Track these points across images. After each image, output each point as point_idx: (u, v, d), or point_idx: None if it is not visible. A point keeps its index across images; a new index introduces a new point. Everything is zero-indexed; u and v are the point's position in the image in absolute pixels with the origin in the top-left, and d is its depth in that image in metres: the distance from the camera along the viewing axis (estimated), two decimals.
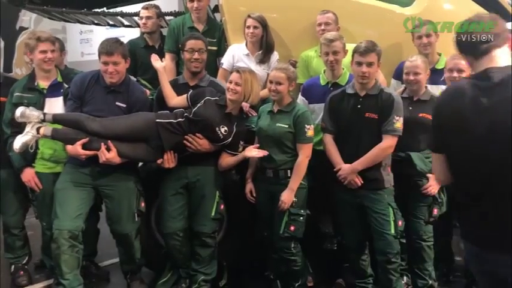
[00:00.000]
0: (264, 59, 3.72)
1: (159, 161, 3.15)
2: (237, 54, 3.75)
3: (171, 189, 3.29)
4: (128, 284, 3.58)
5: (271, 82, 3.16)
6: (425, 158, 3.22)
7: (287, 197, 3.10)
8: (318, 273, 3.66)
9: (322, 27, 3.64)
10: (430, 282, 3.30)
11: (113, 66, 3.11)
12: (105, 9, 5.48)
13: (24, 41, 3.45)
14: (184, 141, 3.12)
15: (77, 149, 3.03)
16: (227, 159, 3.25)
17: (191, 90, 3.29)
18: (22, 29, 8.97)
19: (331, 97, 3.24)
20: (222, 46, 4.00)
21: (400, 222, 3.09)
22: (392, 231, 3.05)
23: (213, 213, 3.28)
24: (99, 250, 4.00)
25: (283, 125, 3.14)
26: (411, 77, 3.24)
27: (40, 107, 3.31)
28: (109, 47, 3.09)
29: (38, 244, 3.82)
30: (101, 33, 8.36)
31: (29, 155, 3.37)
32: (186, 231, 3.35)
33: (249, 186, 3.33)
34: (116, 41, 3.20)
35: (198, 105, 3.15)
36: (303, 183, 3.16)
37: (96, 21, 5.64)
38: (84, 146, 3.03)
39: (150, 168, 3.49)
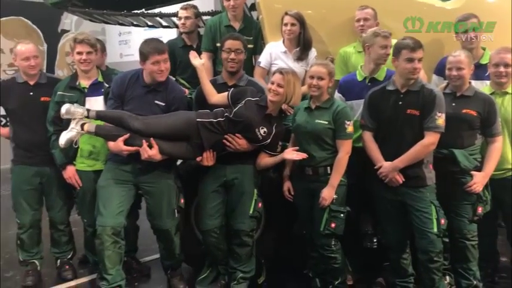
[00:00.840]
0: (301, 56, 3.70)
1: (198, 159, 3.18)
2: (275, 52, 3.74)
3: (209, 187, 3.31)
4: (168, 279, 3.65)
5: (312, 77, 3.14)
6: (469, 155, 3.14)
7: (328, 193, 3.08)
8: (358, 271, 3.62)
9: (361, 22, 3.61)
10: (475, 282, 3.21)
11: (164, 64, 3.15)
12: (143, 10, 5.58)
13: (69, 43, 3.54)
14: (224, 141, 3.14)
15: (119, 145, 3.08)
16: (265, 160, 3.25)
17: (232, 88, 3.30)
18: (64, 31, 9.23)
19: (370, 94, 3.19)
20: (258, 44, 4.00)
21: (442, 221, 3.02)
22: (435, 229, 2.99)
23: (251, 211, 3.28)
24: (141, 246, 4.10)
25: (322, 121, 3.12)
26: (454, 73, 3.15)
27: (81, 104, 3.37)
28: (160, 46, 3.15)
29: (82, 240, 3.92)
30: (139, 35, 8.52)
31: (70, 153, 3.47)
32: (223, 228, 3.37)
33: (287, 184, 3.33)
34: (160, 40, 3.26)
35: (239, 105, 3.15)
36: (343, 180, 3.13)
37: (135, 23, 5.75)
38: (126, 142, 3.08)
39: (190, 166, 3.53)
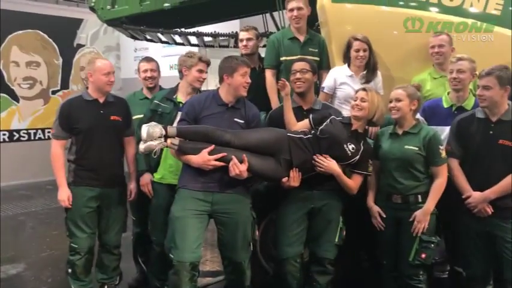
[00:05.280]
0: (368, 79, 3.65)
1: (284, 180, 3.05)
2: (339, 77, 3.68)
3: (294, 214, 3.20)
4: None
5: (391, 101, 3.10)
6: None
7: (422, 217, 3.00)
8: None
9: (436, 49, 3.57)
10: None
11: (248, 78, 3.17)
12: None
13: (182, 58, 3.55)
14: (313, 161, 3.03)
15: (205, 156, 2.94)
16: (356, 179, 3.12)
17: (311, 115, 3.21)
18: (79, 46, 9.09)
19: (459, 120, 3.14)
20: (324, 58, 3.93)
21: None
22: None
23: (336, 240, 3.19)
24: None
25: (412, 147, 3.05)
26: None
27: (172, 117, 3.37)
28: (247, 60, 3.24)
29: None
30: (156, 51, 8.43)
31: (153, 163, 3.49)
32: (303, 256, 3.27)
33: (376, 208, 3.18)
34: None
35: (325, 123, 3.09)
36: (434, 209, 3.06)
37: (148, 37, 5.77)
38: (211, 154, 2.95)
39: (256, 192, 3.42)
